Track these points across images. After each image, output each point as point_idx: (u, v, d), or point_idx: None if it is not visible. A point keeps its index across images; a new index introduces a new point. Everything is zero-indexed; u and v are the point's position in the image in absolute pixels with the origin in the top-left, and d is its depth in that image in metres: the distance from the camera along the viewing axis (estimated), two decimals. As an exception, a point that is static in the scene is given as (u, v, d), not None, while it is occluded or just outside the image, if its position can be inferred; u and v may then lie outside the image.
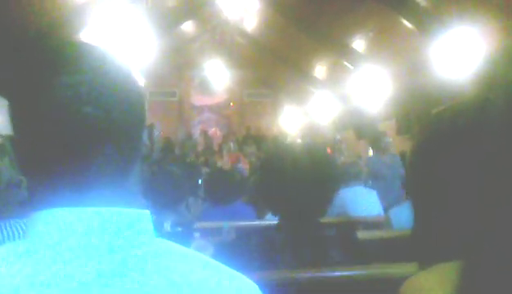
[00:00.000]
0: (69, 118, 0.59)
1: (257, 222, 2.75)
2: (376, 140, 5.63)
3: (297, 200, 1.48)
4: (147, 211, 0.64)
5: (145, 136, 0.68)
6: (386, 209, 3.09)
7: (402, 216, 2.39)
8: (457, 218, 0.80)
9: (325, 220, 1.61)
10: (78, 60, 0.62)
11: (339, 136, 11.32)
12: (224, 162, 10.18)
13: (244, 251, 1.36)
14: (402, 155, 6.01)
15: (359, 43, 9.26)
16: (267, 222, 2.42)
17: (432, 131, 0.93)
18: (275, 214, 1.56)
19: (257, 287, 0.66)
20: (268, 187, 1.57)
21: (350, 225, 1.88)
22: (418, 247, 0.94)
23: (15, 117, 0.62)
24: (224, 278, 0.63)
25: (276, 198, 1.55)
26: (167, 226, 1.62)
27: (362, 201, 3.32)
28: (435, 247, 0.85)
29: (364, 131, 11.14)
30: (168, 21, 11.22)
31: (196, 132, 15.32)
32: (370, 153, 10.71)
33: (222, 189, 3.01)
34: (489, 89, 0.74)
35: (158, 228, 1.66)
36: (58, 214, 0.59)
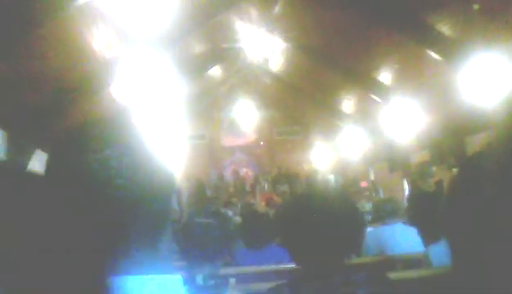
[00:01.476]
0: (101, 190, 0.61)
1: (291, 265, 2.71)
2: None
3: (319, 248, 1.47)
4: (179, 276, 0.64)
5: (174, 202, 0.70)
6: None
7: (442, 253, 2.32)
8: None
9: (359, 260, 1.58)
10: (107, 135, 0.65)
11: (372, 177, 11.20)
12: (257, 202, 10.15)
13: None
14: (439, 185, 5.88)
15: (386, 76, 9.24)
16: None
17: (472, 166, 0.91)
18: (299, 262, 1.54)
19: None
20: (290, 237, 1.56)
21: (382, 266, 1.83)
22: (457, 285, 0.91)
23: (53, 192, 0.64)
24: None
25: (298, 248, 1.53)
26: (199, 280, 1.61)
27: (401, 238, 3.22)
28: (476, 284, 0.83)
29: (397, 163, 10.98)
30: (196, 66, 11.49)
31: (228, 174, 15.37)
32: (405, 185, 10.54)
33: (257, 233, 2.99)
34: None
35: (190, 282, 1.65)
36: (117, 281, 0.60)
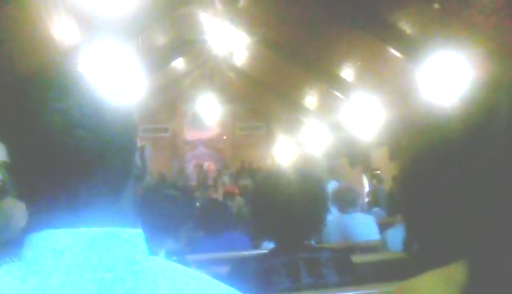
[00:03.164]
0: (62, 142, 0.60)
1: (252, 252, 2.73)
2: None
3: (289, 224, 1.49)
4: (140, 231, 0.65)
5: (137, 157, 0.70)
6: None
7: (398, 238, 2.39)
8: (452, 223, 0.82)
9: (323, 246, 1.62)
10: (67, 86, 0.64)
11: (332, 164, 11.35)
12: (218, 196, 10.13)
13: (241, 279, 1.36)
14: (395, 180, 6.02)
15: (348, 72, 9.39)
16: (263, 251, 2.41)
17: (421, 145, 0.96)
18: (269, 239, 1.57)
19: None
20: (262, 212, 1.58)
21: (345, 249, 1.90)
22: (415, 262, 0.95)
23: (10, 144, 0.64)
24: (212, 291, 0.64)
25: (269, 223, 1.55)
26: (161, 254, 1.60)
27: (361, 227, 3.32)
28: (431, 259, 0.86)
29: (357, 158, 11.18)
30: (159, 58, 11.36)
31: (190, 167, 15.30)
32: (364, 180, 10.74)
33: (216, 219, 2.99)
34: (475, 113, 0.77)
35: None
36: (53, 235, 0.60)
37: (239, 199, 7.61)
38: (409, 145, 1.12)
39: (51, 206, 0.62)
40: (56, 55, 7.11)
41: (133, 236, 0.63)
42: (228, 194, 7.49)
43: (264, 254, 1.60)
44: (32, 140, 0.61)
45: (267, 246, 3.02)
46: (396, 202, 2.42)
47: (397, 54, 7.36)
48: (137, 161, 0.70)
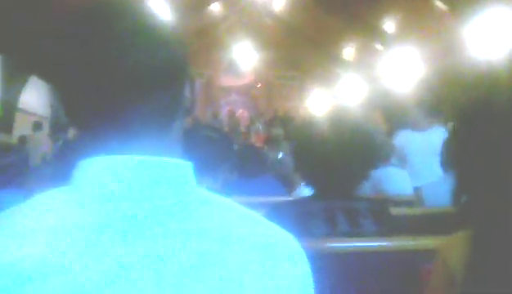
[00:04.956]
0: (115, 68, 0.60)
1: (287, 197, 2.75)
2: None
3: (333, 170, 1.47)
4: (190, 163, 0.65)
5: (187, 90, 0.69)
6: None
7: (435, 193, 2.37)
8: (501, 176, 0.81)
9: (362, 196, 1.60)
10: (122, 10, 0.63)
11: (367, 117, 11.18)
12: (251, 143, 10.19)
13: (279, 222, 1.37)
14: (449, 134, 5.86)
15: (389, 24, 9.10)
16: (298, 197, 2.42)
17: (480, 97, 0.93)
18: (309, 184, 1.56)
19: (292, 237, 0.67)
20: (305, 156, 1.57)
21: (382, 201, 1.88)
22: (462, 214, 0.94)
23: (63, 70, 0.64)
24: (262, 228, 0.65)
25: (310, 168, 1.54)
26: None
27: (394, 181, 3.30)
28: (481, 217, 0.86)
29: (392, 113, 10.99)
30: (196, 1, 11.22)
31: (223, 113, 15.34)
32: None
33: (252, 163, 3.02)
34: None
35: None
36: (102, 161, 0.60)
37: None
38: (460, 100, 1.08)
39: (102, 133, 0.62)
40: None
41: (184, 166, 0.64)
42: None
43: (302, 199, 1.60)
44: (85, 65, 0.60)
45: (299, 193, 3.05)
46: (448, 155, 2.37)
47: (443, 7, 7.08)
48: (187, 93, 0.69)
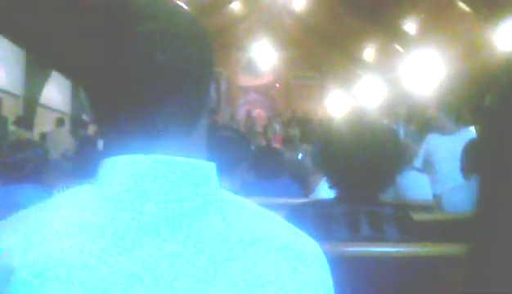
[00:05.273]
0: (143, 66, 0.59)
1: (305, 199, 2.74)
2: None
3: (359, 174, 1.46)
4: (213, 163, 0.65)
5: (212, 90, 0.68)
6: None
7: (456, 199, 2.34)
8: None
9: (385, 201, 1.58)
10: (149, 9, 0.62)
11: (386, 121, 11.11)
12: (269, 144, 10.18)
13: (299, 224, 1.36)
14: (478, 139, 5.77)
15: (410, 26, 9.01)
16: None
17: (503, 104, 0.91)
18: (332, 186, 1.54)
19: (315, 242, 0.66)
20: (330, 157, 1.55)
21: (405, 207, 1.85)
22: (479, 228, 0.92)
23: (89, 66, 0.63)
24: (283, 231, 0.64)
25: (336, 170, 1.52)
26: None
27: (415, 186, 3.26)
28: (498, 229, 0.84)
29: (413, 116, 10.88)
30: (216, 0, 11.26)
31: (241, 113, 15.36)
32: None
33: (270, 164, 3.00)
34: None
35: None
36: (127, 160, 0.60)
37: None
38: (484, 102, 1.06)
39: (126, 132, 0.61)
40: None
41: (207, 167, 0.63)
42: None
43: (324, 201, 1.58)
44: (112, 62, 0.60)
45: (316, 195, 3.02)
46: (469, 161, 2.33)
47: (466, 8, 6.98)
48: (212, 93, 0.69)
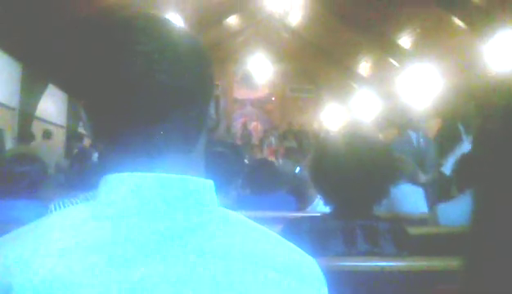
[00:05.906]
0: (142, 85, 0.60)
1: (301, 214, 2.74)
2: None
3: (354, 188, 1.46)
4: (211, 181, 0.65)
5: (211, 108, 0.69)
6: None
7: (451, 213, 2.35)
8: None
9: (381, 216, 1.58)
10: (150, 29, 0.63)
11: (381, 136, 11.14)
12: (264, 157, 10.18)
13: (295, 238, 1.36)
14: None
15: (406, 40, 9.07)
16: (310, 214, 2.41)
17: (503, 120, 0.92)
18: (328, 202, 1.55)
19: (313, 260, 0.67)
20: (324, 173, 1.56)
21: (400, 221, 1.85)
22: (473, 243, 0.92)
23: (89, 84, 0.64)
24: (281, 248, 0.65)
25: (329, 186, 1.53)
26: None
27: (409, 199, 3.27)
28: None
29: (408, 129, 10.90)
30: (213, 15, 11.31)
31: (237, 126, 15.36)
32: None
33: (265, 178, 2.99)
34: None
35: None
36: (126, 178, 0.61)
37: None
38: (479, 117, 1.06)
39: (125, 150, 0.62)
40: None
41: (205, 185, 0.64)
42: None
43: (319, 216, 1.59)
44: (112, 80, 0.61)
45: (312, 210, 3.02)
46: (463, 177, 2.35)
47: (461, 24, 7.03)
48: (212, 112, 0.69)
